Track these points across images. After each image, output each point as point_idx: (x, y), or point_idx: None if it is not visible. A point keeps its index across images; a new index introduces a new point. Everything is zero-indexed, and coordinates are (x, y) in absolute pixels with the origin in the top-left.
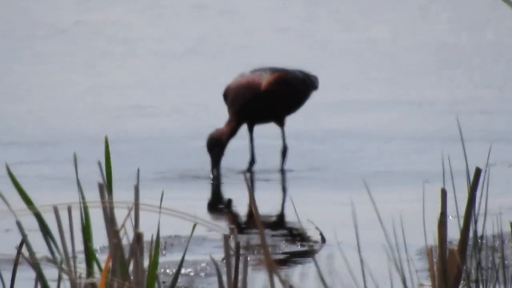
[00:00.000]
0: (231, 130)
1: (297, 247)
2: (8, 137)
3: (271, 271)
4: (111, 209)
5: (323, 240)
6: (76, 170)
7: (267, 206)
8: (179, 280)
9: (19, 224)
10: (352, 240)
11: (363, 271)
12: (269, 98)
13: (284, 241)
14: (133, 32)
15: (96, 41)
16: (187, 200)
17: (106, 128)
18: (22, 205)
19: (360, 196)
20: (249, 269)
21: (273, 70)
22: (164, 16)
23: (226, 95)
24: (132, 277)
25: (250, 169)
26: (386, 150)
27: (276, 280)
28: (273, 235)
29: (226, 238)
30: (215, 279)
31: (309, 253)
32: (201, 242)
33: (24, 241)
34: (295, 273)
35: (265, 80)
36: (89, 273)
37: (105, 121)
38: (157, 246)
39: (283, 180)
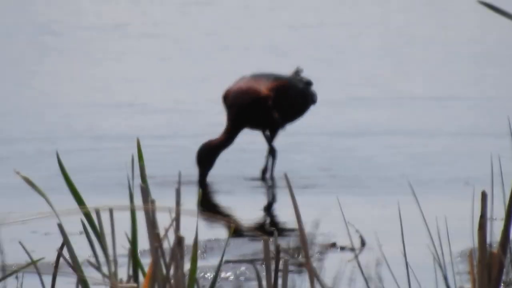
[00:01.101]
0: (226, 139)
1: (337, 250)
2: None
3: (312, 275)
4: (153, 212)
5: (363, 243)
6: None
7: (305, 209)
8: (218, 284)
9: (60, 227)
10: (393, 243)
11: (408, 273)
12: (267, 105)
13: (324, 244)
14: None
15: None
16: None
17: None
18: (59, 207)
19: (402, 197)
20: (289, 272)
21: (275, 77)
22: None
23: (226, 98)
24: (172, 281)
25: (264, 174)
26: (431, 148)
27: (316, 283)
28: (312, 238)
29: (265, 241)
30: (255, 283)
31: (349, 257)
32: (240, 246)
33: (65, 244)
34: (335, 276)
35: (264, 87)
36: (131, 277)
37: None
38: (195, 249)
39: (316, 182)
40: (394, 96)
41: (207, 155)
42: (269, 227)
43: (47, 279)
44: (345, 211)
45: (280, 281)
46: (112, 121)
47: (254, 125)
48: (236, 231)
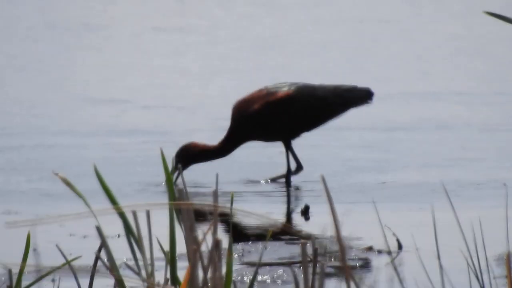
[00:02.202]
0: (221, 149)
1: (374, 254)
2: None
3: (348, 278)
4: (190, 215)
5: (400, 246)
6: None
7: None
8: (256, 287)
9: (98, 229)
10: (429, 246)
11: (442, 277)
12: (264, 117)
13: (360, 247)
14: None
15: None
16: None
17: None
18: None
19: (437, 200)
20: (326, 276)
21: (292, 87)
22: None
23: (232, 110)
24: (209, 284)
25: (289, 179)
26: (466, 150)
27: (353, 286)
28: (348, 242)
29: (303, 245)
30: (292, 286)
31: (386, 260)
32: (278, 249)
33: (103, 246)
34: (372, 279)
35: (266, 99)
36: (169, 280)
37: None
38: (230, 252)
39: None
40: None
41: (189, 156)
42: (306, 231)
43: (85, 282)
44: (380, 215)
45: (317, 285)
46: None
47: (258, 137)
48: (273, 235)
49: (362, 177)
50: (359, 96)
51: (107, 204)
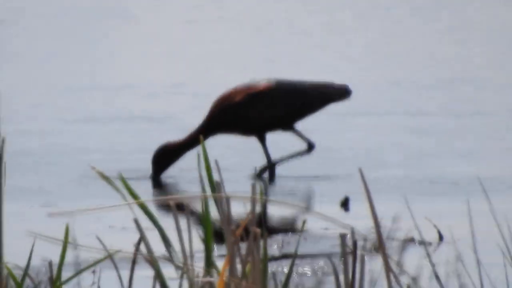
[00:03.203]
0: (189, 140)
1: (414, 245)
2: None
3: (388, 269)
4: (228, 206)
5: (441, 237)
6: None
7: (380, 205)
8: (295, 279)
9: (137, 222)
10: (470, 238)
11: (479, 269)
12: (245, 110)
13: (400, 239)
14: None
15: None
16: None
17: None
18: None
19: (475, 194)
20: (366, 267)
21: (272, 80)
22: None
23: (214, 104)
24: (248, 276)
25: (261, 173)
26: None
27: (392, 279)
28: (389, 233)
29: (343, 236)
30: (332, 278)
31: (426, 251)
32: (318, 240)
33: (142, 238)
34: (412, 271)
35: (247, 91)
36: (207, 272)
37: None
38: (265, 244)
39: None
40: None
41: (165, 158)
42: (345, 222)
43: (125, 274)
44: (422, 208)
45: (357, 276)
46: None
47: (233, 129)
48: (313, 226)
49: (396, 168)
50: (336, 93)
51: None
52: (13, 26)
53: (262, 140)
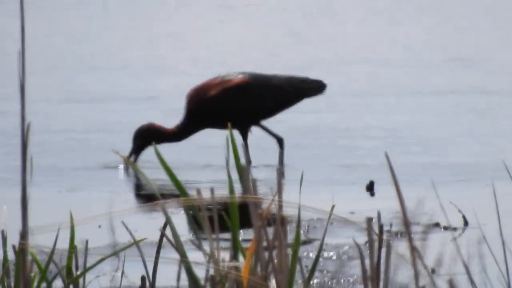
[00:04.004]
0: (178, 133)
1: (440, 230)
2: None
3: (414, 254)
4: (255, 191)
5: (466, 222)
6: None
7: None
8: (321, 264)
9: (163, 207)
10: (495, 223)
11: (505, 253)
12: (221, 103)
13: (427, 224)
14: None
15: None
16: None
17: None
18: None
19: (501, 181)
20: (392, 252)
21: (247, 74)
22: None
23: (187, 97)
24: (275, 260)
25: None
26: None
27: (419, 263)
28: (414, 218)
29: (369, 221)
30: (357, 262)
31: (451, 236)
32: (344, 225)
33: (168, 224)
34: (437, 256)
35: (222, 85)
36: (234, 256)
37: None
38: (298, 229)
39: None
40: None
41: (149, 137)
42: (371, 207)
43: (150, 259)
44: (444, 192)
45: (383, 261)
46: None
47: (213, 123)
48: (338, 211)
49: (420, 155)
50: (312, 87)
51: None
52: None
53: (244, 134)
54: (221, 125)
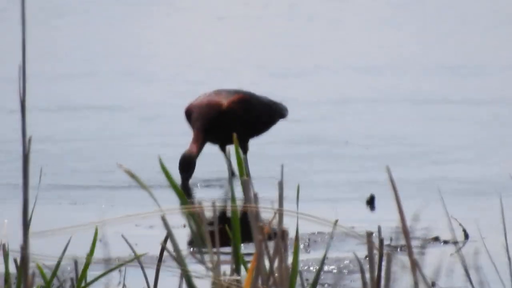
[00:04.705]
0: (199, 148)
1: (440, 244)
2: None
3: (414, 268)
4: (256, 203)
5: (467, 236)
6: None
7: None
8: (322, 277)
9: (164, 220)
10: (496, 237)
11: (510, 267)
12: (231, 118)
13: (426, 238)
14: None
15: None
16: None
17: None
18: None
19: (503, 191)
20: (393, 266)
21: (235, 91)
22: None
23: (189, 114)
24: (276, 274)
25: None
26: None
27: (419, 277)
28: (414, 232)
29: (369, 235)
30: (358, 276)
31: (452, 250)
32: (344, 239)
33: (169, 237)
34: (438, 270)
35: (227, 100)
36: (235, 270)
37: None
38: (297, 243)
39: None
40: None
41: (192, 164)
42: (370, 222)
43: (150, 272)
44: (446, 206)
45: (383, 275)
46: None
47: (217, 139)
48: (338, 225)
49: (421, 168)
50: (282, 108)
51: (167, 193)
52: None
53: (245, 150)
54: (228, 139)
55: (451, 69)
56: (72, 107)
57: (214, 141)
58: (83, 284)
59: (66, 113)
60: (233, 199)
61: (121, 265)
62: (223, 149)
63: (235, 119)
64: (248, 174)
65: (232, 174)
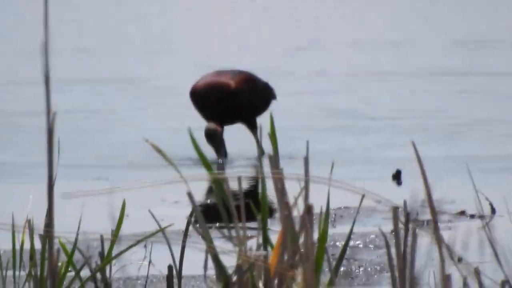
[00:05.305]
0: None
1: (466, 218)
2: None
3: (440, 243)
4: (282, 180)
5: (493, 210)
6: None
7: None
8: (348, 252)
9: (190, 195)
10: None
11: None
12: (239, 98)
13: (452, 212)
14: None
15: None
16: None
17: None
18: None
19: None
20: (418, 240)
21: (240, 72)
22: None
23: (194, 95)
24: (302, 250)
25: (222, 163)
26: None
27: (445, 252)
28: (441, 206)
29: (395, 210)
30: (384, 251)
31: (478, 224)
32: (370, 214)
33: (195, 212)
34: (464, 244)
35: (234, 80)
36: (261, 246)
37: None
38: (326, 218)
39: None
40: None
41: (215, 135)
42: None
43: (176, 249)
44: (475, 181)
45: (409, 249)
46: None
47: (227, 119)
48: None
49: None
50: (273, 90)
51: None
52: None
53: (254, 127)
54: (234, 119)
55: (474, 43)
56: (96, 80)
57: (221, 122)
58: (108, 259)
59: (83, 86)
60: (261, 170)
61: (147, 237)
62: (254, 127)
63: (243, 99)
64: (262, 151)
65: (261, 151)
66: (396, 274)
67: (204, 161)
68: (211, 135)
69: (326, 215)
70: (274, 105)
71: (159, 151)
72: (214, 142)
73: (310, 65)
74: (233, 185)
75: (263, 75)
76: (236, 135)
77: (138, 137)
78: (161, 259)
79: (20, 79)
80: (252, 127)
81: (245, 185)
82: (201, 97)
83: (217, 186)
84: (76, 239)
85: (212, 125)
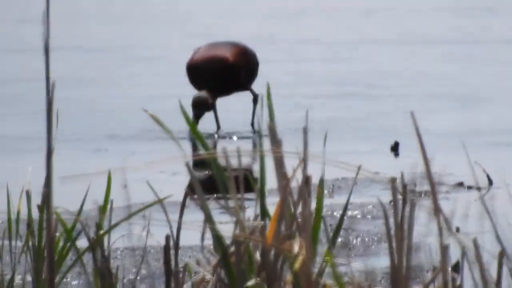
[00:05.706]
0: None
1: (464, 190)
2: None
3: (438, 214)
4: (281, 152)
5: (490, 182)
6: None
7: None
8: (345, 222)
9: (188, 167)
10: None
11: None
12: (236, 70)
13: (450, 184)
14: None
15: None
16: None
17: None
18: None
19: None
20: (416, 211)
21: (234, 44)
22: None
23: (191, 69)
24: (299, 219)
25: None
26: None
27: (442, 222)
28: (439, 178)
29: (393, 180)
30: (381, 221)
31: (475, 195)
32: (368, 185)
33: (193, 183)
34: (462, 215)
35: (231, 53)
36: (258, 216)
37: None
38: (321, 186)
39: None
40: None
41: (206, 104)
42: (394, 168)
43: (174, 218)
44: (470, 152)
45: (406, 220)
46: None
47: (223, 92)
48: (362, 170)
49: (445, 114)
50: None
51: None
52: None
53: (256, 98)
54: (229, 90)
55: (479, 10)
56: (89, 48)
57: (220, 93)
58: (105, 229)
59: (80, 54)
60: (260, 145)
61: (144, 208)
62: (254, 96)
63: (240, 71)
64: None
65: (257, 122)
66: (394, 243)
67: (198, 137)
68: (201, 104)
69: (321, 184)
70: (269, 75)
71: (158, 122)
72: (202, 110)
73: (302, 33)
74: (232, 159)
75: (249, 42)
76: (230, 108)
77: (134, 106)
78: (159, 231)
79: None
80: (253, 95)
81: (244, 158)
82: (199, 71)
83: (213, 162)
84: (80, 211)
85: (204, 94)
